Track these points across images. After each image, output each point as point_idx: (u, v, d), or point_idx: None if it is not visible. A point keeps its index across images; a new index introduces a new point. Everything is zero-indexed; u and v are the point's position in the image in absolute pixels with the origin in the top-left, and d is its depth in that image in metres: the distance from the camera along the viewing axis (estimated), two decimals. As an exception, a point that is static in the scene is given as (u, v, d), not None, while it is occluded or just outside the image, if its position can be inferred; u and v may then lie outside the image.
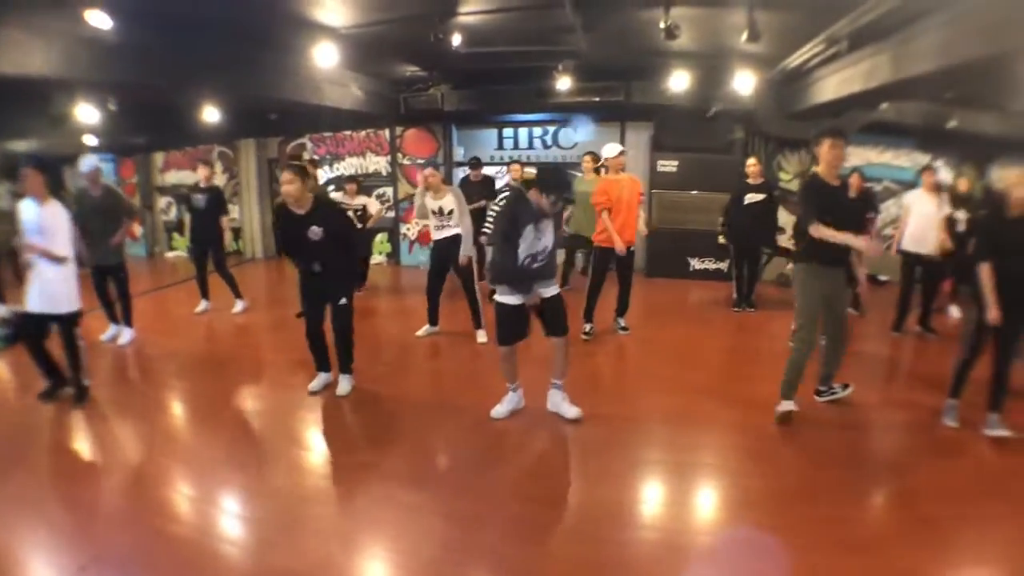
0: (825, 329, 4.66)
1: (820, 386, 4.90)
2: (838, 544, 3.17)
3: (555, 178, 4.37)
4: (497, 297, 4.49)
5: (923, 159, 9.97)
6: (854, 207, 4.78)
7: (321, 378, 5.19)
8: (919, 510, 3.51)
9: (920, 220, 6.82)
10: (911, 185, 9.99)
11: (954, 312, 7.76)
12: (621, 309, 6.89)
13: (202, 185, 7.56)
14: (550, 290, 4.45)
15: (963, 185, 7.48)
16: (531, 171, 7.65)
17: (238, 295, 7.84)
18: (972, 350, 4.44)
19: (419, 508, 3.54)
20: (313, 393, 5.09)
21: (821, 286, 4.49)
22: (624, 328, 6.91)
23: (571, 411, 4.61)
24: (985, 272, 4.22)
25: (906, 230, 6.92)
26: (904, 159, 10.19)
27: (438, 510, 3.52)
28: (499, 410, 4.66)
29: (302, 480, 3.91)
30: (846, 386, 4.90)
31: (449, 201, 6.23)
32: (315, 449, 4.40)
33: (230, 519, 3.54)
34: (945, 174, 9.04)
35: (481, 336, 6.52)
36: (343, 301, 4.91)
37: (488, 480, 3.84)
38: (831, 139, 4.27)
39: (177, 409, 5.18)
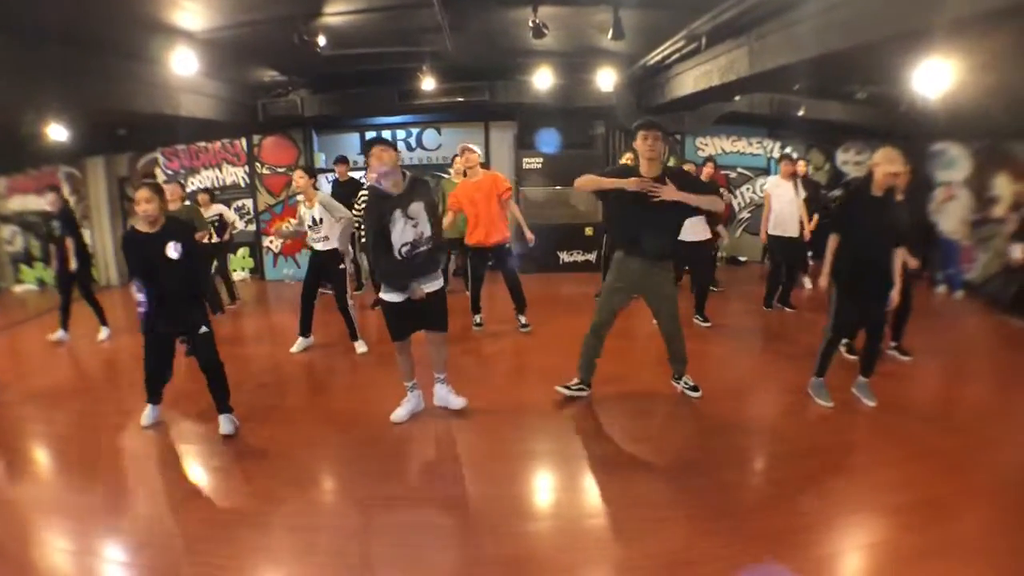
0: (658, 324, 4.75)
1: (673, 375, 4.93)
2: (721, 511, 3.32)
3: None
4: (382, 295, 4.33)
5: (772, 146, 10.82)
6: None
7: (153, 412, 4.68)
8: (795, 469, 3.76)
9: (782, 206, 7.23)
10: (763, 171, 10.85)
11: (807, 283, 8.42)
12: (518, 307, 6.73)
13: (51, 211, 6.85)
14: (432, 285, 4.31)
15: (801, 168, 8.06)
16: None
17: (103, 322, 7.15)
18: (836, 331, 4.61)
19: (316, 529, 3.33)
20: (147, 428, 4.62)
21: (629, 277, 4.56)
22: (524, 326, 6.72)
23: (457, 402, 4.58)
24: (832, 242, 4.53)
25: (770, 216, 7.27)
26: (756, 147, 11.00)
27: (340, 528, 3.34)
28: (399, 413, 4.48)
29: (188, 517, 3.55)
30: (695, 388, 4.77)
31: (318, 211, 5.92)
32: (199, 483, 4.02)
33: (115, 568, 3.17)
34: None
35: (360, 347, 6.21)
36: (204, 329, 4.40)
37: (389, 490, 3.70)
38: (643, 131, 4.36)
39: (45, 457, 4.58)
